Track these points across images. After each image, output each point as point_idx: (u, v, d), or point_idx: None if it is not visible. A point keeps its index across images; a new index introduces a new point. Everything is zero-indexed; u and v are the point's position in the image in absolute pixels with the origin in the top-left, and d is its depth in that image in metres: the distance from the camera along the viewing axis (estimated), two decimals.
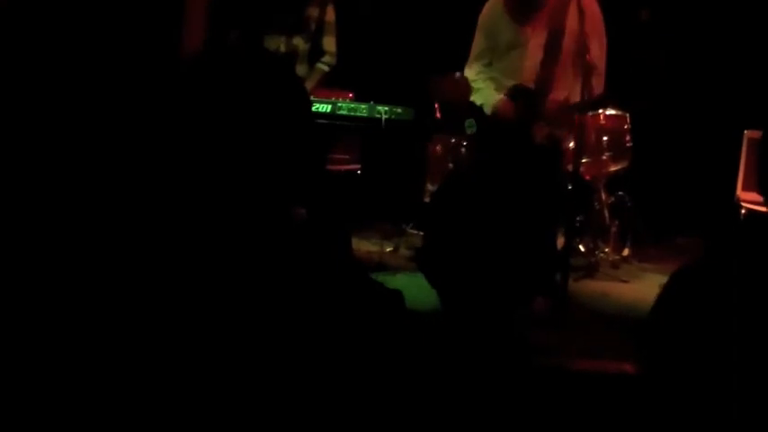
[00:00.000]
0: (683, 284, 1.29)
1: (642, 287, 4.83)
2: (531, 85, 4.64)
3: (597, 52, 4.55)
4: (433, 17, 6.36)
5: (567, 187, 4.60)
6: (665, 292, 1.31)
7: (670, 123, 5.97)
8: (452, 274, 3.79)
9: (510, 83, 4.66)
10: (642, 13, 5.72)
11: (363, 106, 4.69)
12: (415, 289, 3.93)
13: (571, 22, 4.51)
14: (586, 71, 4.27)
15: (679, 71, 5.98)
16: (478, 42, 4.77)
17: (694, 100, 5.98)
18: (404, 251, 5.34)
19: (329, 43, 5.04)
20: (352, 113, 4.68)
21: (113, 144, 3.29)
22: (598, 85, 4.64)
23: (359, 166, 5.27)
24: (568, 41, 4.53)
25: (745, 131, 5.18)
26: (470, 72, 4.80)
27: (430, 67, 5.84)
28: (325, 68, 5.08)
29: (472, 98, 4.81)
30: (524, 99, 4.54)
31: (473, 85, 4.80)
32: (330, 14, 5.00)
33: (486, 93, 4.71)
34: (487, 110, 4.68)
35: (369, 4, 6.04)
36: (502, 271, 3.72)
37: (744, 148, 5.15)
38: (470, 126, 4.66)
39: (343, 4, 5.13)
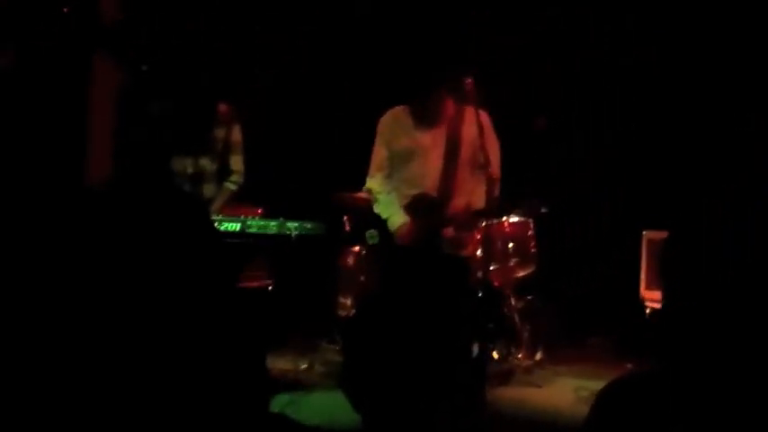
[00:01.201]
0: (613, 402, 1.32)
1: (557, 392, 4.88)
2: (434, 193, 4.71)
3: (495, 162, 4.69)
4: (335, 130, 6.51)
5: (477, 295, 4.66)
6: (597, 408, 1.33)
7: (571, 226, 6.15)
8: (374, 395, 3.76)
9: (412, 191, 4.72)
10: (538, 122, 5.95)
11: (273, 223, 4.70)
12: (333, 407, 3.87)
13: (467, 131, 4.65)
14: (490, 181, 4.38)
15: (578, 174, 6.20)
16: (378, 152, 4.84)
17: (594, 202, 6.18)
18: (318, 368, 5.28)
19: (236, 162, 5.08)
20: (263, 231, 4.67)
21: None
22: (496, 192, 4.75)
23: (270, 282, 5.25)
24: (466, 149, 4.66)
25: (644, 232, 5.37)
26: (373, 183, 4.85)
27: (335, 179, 5.94)
28: (233, 187, 5.10)
29: (375, 210, 4.84)
30: (426, 209, 4.62)
31: (376, 196, 4.82)
32: (236, 134, 5.05)
33: (389, 207, 4.75)
34: (391, 227, 4.72)
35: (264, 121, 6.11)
36: (423, 387, 3.71)
37: (644, 248, 5.32)
38: (372, 237, 4.69)
39: (248, 125, 5.20)
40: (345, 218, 5.94)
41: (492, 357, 5.00)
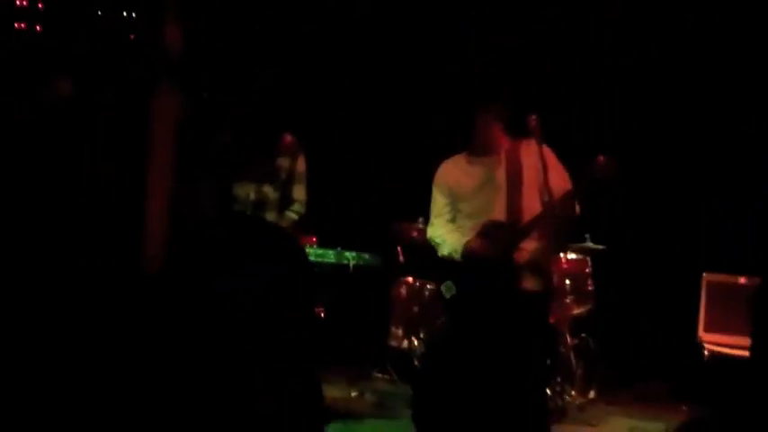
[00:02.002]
0: None
1: (611, 431, 4.82)
2: (502, 219, 4.53)
3: (558, 180, 4.56)
4: (393, 164, 6.54)
5: (554, 334, 4.60)
6: None
7: (630, 265, 6.09)
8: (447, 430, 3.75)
9: (480, 223, 4.55)
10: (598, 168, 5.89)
11: (331, 252, 4.73)
12: None
13: (527, 160, 4.54)
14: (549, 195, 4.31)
15: (634, 214, 6.15)
16: (438, 201, 4.73)
17: (652, 242, 6.12)
18: (369, 396, 5.28)
19: (299, 192, 5.11)
20: (320, 260, 4.71)
21: None
22: (570, 208, 4.61)
23: (322, 310, 5.26)
24: (529, 176, 4.54)
25: (704, 274, 5.31)
26: (434, 230, 4.73)
27: (391, 212, 5.96)
28: (294, 217, 5.14)
29: (441, 253, 4.65)
30: (497, 232, 4.48)
31: (437, 240, 4.67)
32: (301, 165, 5.09)
33: (452, 242, 4.63)
34: (457, 255, 4.61)
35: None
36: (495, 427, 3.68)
37: (703, 291, 5.26)
38: (449, 289, 4.52)
39: (311, 154, 5.23)
40: (399, 248, 5.96)
41: (547, 393, 4.95)
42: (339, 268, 4.73)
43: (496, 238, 4.45)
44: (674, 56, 5.95)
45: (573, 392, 5.17)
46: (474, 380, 3.78)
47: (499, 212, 4.51)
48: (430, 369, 4.06)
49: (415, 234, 5.79)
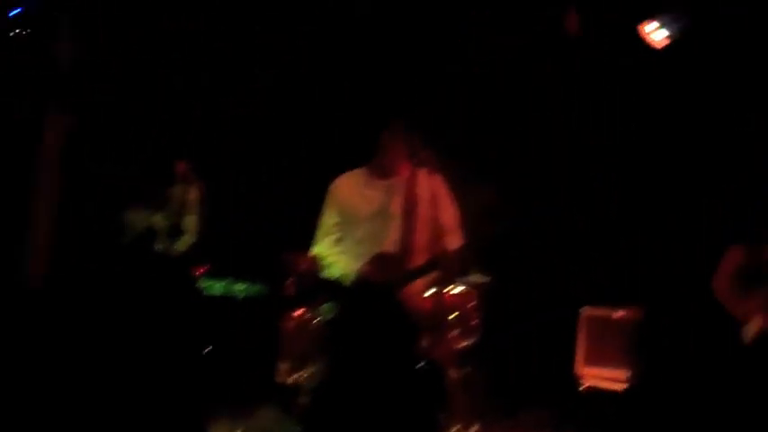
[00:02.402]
0: None
1: None
2: (393, 251, 4.49)
3: (449, 217, 4.61)
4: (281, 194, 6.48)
5: (420, 364, 4.64)
6: None
7: (512, 299, 6.23)
8: None
9: (370, 251, 4.54)
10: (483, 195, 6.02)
11: (220, 283, 4.68)
12: None
13: (422, 192, 4.53)
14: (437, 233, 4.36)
15: (522, 247, 6.28)
16: (328, 219, 4.66)
17: (535, 276, 6.28)
18: None
19: (190, 222, 5.08)
20: (208, 290, 4.66)
21: None
22: (454, 241, 4.66)
23: (208, 342, 5.20)
24: (423, 208, 4.53)
25: (581, 309, 5.49)
26: (322, 248, 4.66)
27: (281, 243, 5.91)
28: (182, 248, 5.10)
29: (325, 275, 4.65)
30: (389, 265, 4.47)
31: (326, 260, 4.62)
32: (193, 194, 5.05)
33: (343, 266, 4.55)
34: (348, 280, 4.58)
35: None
36: None
37: (581, 325, 5.44)
38: (329, 311, 4.49)
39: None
40: (291, 279, 5.90)
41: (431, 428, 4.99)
42: (229, 299, 4.69)
43: (388, 271, 4.47)
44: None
45: (457, 427, 5.23)
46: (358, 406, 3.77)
47: (390, 244, 4.50)
48: (317, 401, 4.03)
49: (308, 265, 5.75)
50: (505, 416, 5.82)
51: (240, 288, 4.67)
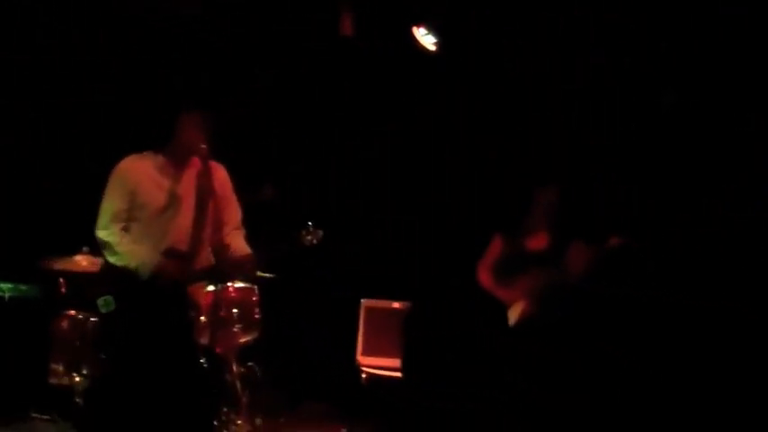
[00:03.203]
0: None
1: None
2: (184, 247, 4.47)
3: (232, 213, 4.58)
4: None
5: (199, 360, 4.61)
6: None
7: (294, 293, 6.28)
8: None
9: (163, 242, 4.46)
10: (264, 192, 6.03)
11: None
12: None
13: (215, 182, 4.46)
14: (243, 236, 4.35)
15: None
16: (116, 203, 4.45)
17: (316, 269, 6.35)
18: None
19: None
20: None
21: None
22: (239, 239, 4.67)
23: None
24: (213, 201, 4.45)
25: (362, 300, 5.62)
26: (106, 234, 4.46)
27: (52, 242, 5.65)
28: None
29: (113, 261, 4.43)
30: (180, 263, 4.37)
31: (117, 249, 4.43)
32: None
33: (141, 256, 4.39)
34: (144, 272, 4.39)
35: None
36: None
37: (362, 316, 5.57)
38: (107, 304, 4.30)
39: None
40: (61, 280, 5.66)
41: (213, 424, 4.97)
42: None
43: (183, 266, 4.40)
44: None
45: (239, 422, 5.22)
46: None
47: (183, 235, 4.41)
48: (93, 401, 3.93)
49: (80, 265, 5.55)
50: (288, 409, 5.87)
51: (5, 288, 4.42)
